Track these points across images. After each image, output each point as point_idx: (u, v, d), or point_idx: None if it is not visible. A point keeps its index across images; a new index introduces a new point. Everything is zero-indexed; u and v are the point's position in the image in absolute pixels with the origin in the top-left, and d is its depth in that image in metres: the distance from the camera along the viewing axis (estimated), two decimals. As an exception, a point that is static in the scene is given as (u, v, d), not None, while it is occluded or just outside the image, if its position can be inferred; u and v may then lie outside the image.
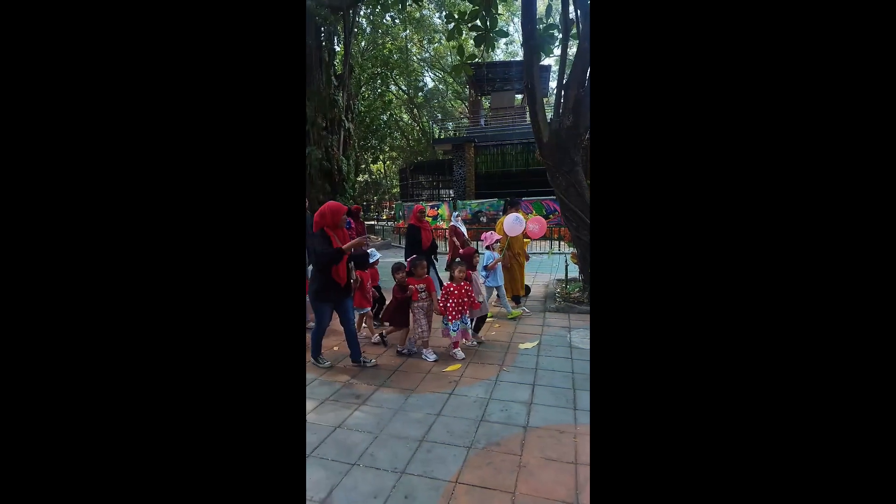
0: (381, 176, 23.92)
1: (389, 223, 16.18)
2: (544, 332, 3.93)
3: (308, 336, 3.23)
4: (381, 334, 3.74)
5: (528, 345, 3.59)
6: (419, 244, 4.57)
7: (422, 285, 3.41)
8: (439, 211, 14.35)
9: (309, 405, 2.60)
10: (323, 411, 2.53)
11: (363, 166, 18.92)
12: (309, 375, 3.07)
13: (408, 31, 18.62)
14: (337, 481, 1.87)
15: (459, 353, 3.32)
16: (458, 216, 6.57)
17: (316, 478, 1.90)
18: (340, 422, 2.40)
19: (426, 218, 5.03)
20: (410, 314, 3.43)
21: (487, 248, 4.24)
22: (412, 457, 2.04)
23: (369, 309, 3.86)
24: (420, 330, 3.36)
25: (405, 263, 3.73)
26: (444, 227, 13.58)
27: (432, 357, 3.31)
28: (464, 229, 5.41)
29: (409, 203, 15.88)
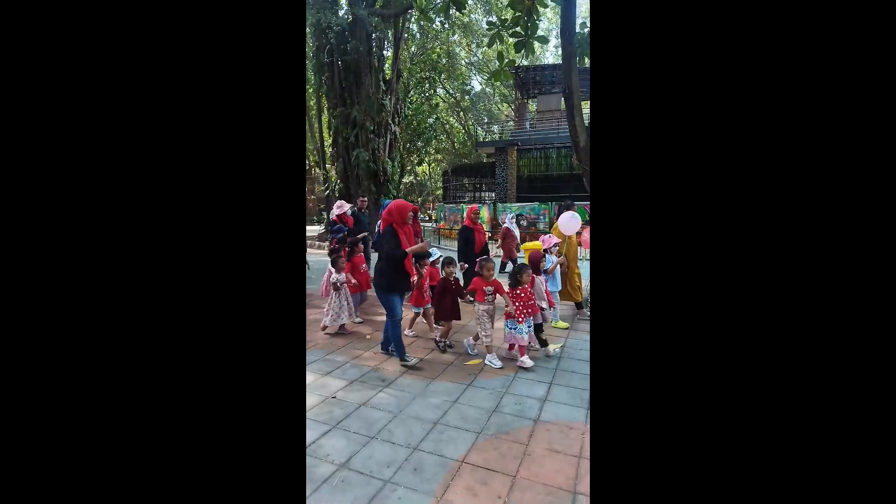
0: (426, 178, 24.45)
1: (429, 224, 16.52)
2: (571, 336, 3.95)
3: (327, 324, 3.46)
4: (440, 342, 3.59)
5: (553, 346, 3.65)
6: (472, 245, 4.52)
7: (490, 287, 3.25)
8: (479, 213, 14.47)
9: (339, 384, 2.87)
10: (351, 390, 2.78)
11: (409, 168, 19.49)
12: (341, 358, 3.35)
13: (456, 35, 18.93)
14: (356, 450, 2.09)
15: (528, 361, 3.13)
16: (511, 218, 6.53)
17: (339, 445, 2.13)
18: (365, 400, 2.63)
19: (479, 220, 4.92)
20: (477, 317, 3.32)
21: (546, 251, 4.04)
22: (425, 436, 2.22)
23: (426, 307, 3.85)
24: (484, 334, 3.23)
25: (455, 259, 3.74)
26: (484, 229, 13.67)
27: (498, 364, 3.15)
28: (517, 232, 5.41)
29: (451, 205, 16.13)
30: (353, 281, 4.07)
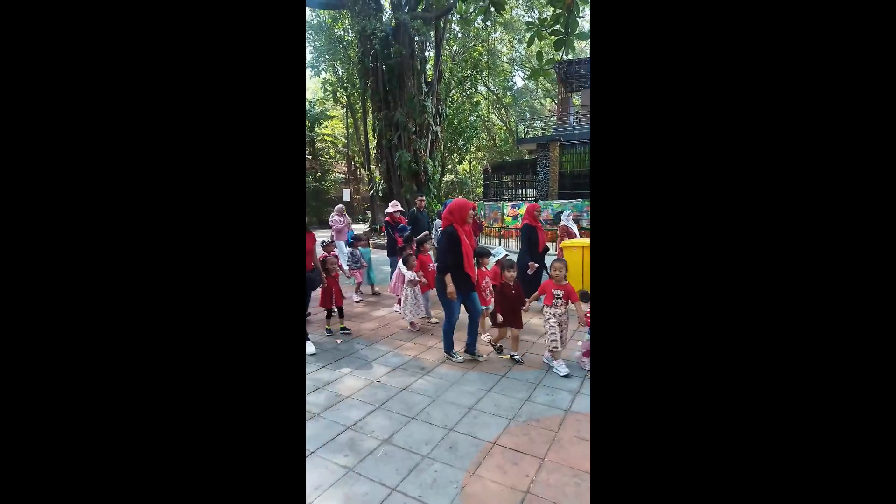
0: (467, 176, 24.64)
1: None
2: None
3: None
4: (491, 343, 3.48)
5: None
6: (536, 245, 4.39)
7: (560, 290, 3.05)
8: (520, 211, 14.39)
9: (382, 370, 3.11)
10: (393, 376, 3.01)
11: (449, 167, 19.75)
12: (384, 347, 3.61)
13: (498, 32, 18.88)
14: (398, 428, 2.31)
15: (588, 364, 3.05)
16: (568, 216, 6.37)
17: (383, 423, 2.36)
18: (406, 385, 2.85)
19: (541, 218, 4.75)
20: (544, 322, 3.12)
21: None
22: (461, 419, 2.39)
23: (488, 307, 3.72)
24: (549, 339, 3.05)
25: (514, 262, 3.46)
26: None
27: (564, 371, 2.97)
28: (576, 230, 5.28)
29: (491, 202, 16.16)
30: (424, 280, 4.10)
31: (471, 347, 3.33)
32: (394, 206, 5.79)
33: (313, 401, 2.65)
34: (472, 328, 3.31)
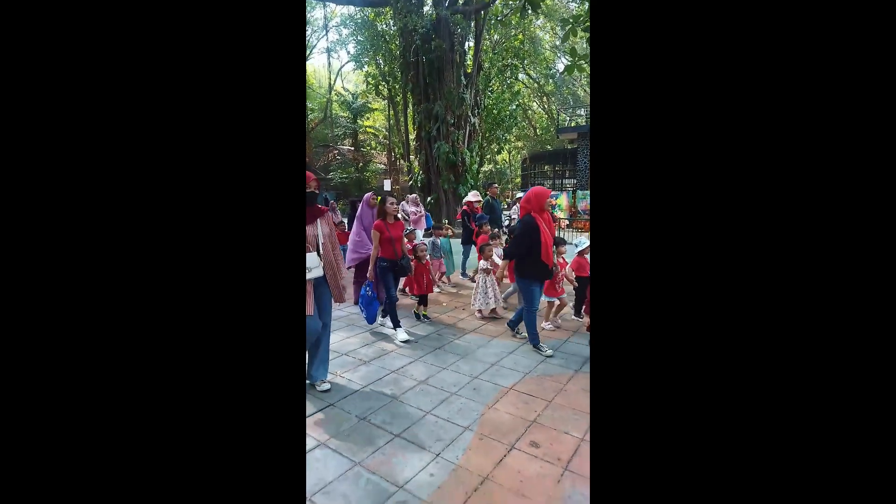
0: (506, 166, 24.69)
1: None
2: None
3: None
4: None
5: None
6: None
7: None
8: (558, 201, 14.44)
9: (421, 333, 3.64)
10: (429, 339, 3.54)
11: (488, 157, 19.93)
12: (416, 322, 4.14)
13: (540, 20, 18.67)
14: (433, 374, 2.82)
15: None
16: None
17: (420, 370, 2.88)
18: (440, 346, 3.36)
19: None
20: None
21: None
22: (484, 371, 2.87)
23: (558, 299, 3.79)
24: None
25: None
26: (563, 216, 13.67)
27: None
28: None
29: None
30: (505, 274, 3.78)
31: (513, 325, 3.53)
32: (474, 196, 5.87)
33: (364, 352, 3.24)
34: (519, 314, 3.41)
